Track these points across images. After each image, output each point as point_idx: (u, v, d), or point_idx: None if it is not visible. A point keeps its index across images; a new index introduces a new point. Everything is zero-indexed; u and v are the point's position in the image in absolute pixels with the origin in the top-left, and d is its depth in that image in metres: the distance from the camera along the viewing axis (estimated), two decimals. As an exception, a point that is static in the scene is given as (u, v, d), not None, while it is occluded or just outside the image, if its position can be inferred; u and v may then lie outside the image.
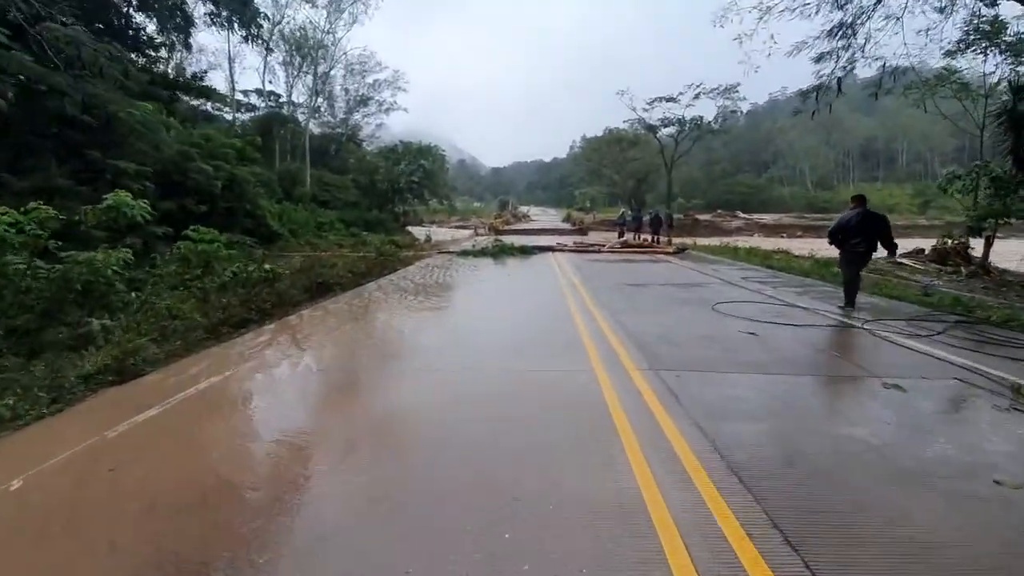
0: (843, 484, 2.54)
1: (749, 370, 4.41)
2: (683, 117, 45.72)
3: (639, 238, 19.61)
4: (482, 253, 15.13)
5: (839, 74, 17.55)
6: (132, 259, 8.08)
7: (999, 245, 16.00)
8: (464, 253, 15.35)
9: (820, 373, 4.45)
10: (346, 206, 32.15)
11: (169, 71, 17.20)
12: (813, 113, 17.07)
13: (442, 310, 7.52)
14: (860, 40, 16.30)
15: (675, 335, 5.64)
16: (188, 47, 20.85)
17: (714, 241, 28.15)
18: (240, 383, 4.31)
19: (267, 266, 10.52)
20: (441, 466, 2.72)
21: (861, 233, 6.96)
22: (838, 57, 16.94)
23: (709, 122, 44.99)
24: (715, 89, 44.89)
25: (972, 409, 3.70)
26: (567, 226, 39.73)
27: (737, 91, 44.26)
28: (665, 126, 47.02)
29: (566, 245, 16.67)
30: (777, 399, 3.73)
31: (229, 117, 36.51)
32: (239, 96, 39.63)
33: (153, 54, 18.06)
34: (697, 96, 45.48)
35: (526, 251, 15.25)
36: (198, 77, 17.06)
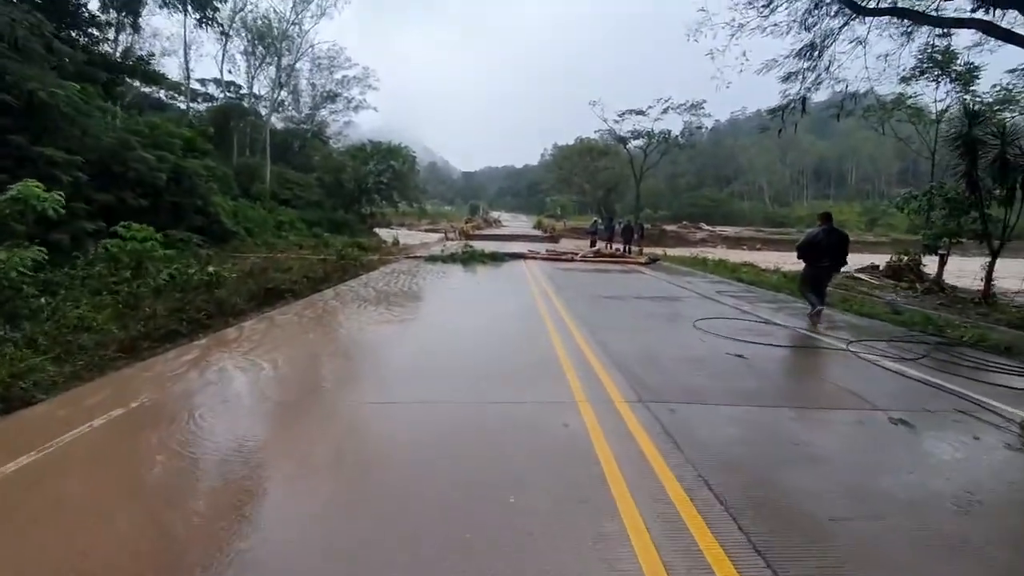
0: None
1: (745, 401, 3.94)
2: (652, 130, 46.52)
3: (611, 247, 19.40)
4: (451, 259, 14.42)
5: (804, 93, 17.91)
6: (46, 258, 6.97)
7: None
8: (432, 258, 14.60)
9: (822, 406, 4.04)
10: (309, 205, 30.66)
11: (115, 54, 15.63)
12: (780, 131, 17.34)
13: (404, 324, 6.79)
14: (825, 62, 16.69)
15: (660, 356, 5.16)
16: (136, 28, 19.22)
17: (681, 251, 28.47)
18: (145, 420, 3.48)
19: (210, 268, 9.51)
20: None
21: (828, 249, 7.22)
22: (804, 77, 17.25)
23: (676, 136, 45.84)
24: (682, 105, 45.87)
25: (986, 449, 3.34)
26: (538, 233, 39.45)
27: (703, 107, 45.45)
28: (635, 138, 47.67)
29: (538, 252, 16.19)
30: (785, 442, 3.26)
31: (184, 107, 34.30)
32: (196, 85, 37.45)
33: (97, 33, 16.45)
34: (665, 111, 46.28)
35: (497, 258, 14.65)
36: (144, 60, 15.58)
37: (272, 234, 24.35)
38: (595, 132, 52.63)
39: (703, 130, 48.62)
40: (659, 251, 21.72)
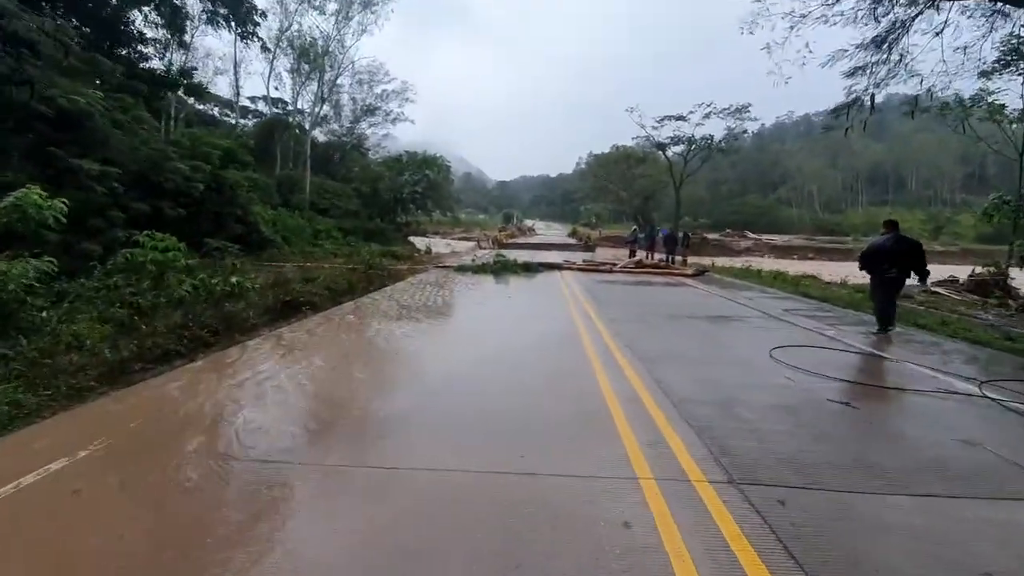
0: None
1: (884, 484, 2.74)
2: (692, 136, 44.53)
3: (652, 257, 18.04)
4: (482, 269, 13.54)
5: (872, 90, 16.06)
6: (55, 270, 6.52)
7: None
8: (462, 268, 13.77)
9: (998, 494, 2.77)
10: (346, 215, 30.77)
11: (160, 69, 15.84)
12: (846, 131, 15.57)
13: (419, 352, 5.87)
14: (896, 55, 14.84)
15: (738, 403, 3.98)
16: (184, 44, 19.65)
17: (724, 261, 26.56)
18: (88, 476, 2.68)
19: (234, 279, 8.99)
20: None
21: (894, 259, 6.66)
22: (872, 72, 15.46)
23: (720, 141, 43.69)
24: (725, 109, 43.75)
25: None
26: (573, 241, 38.26)
27: (748, 111, 43.13)
28: (674, 144, 45.83)
29: (574, 263, 15.07)
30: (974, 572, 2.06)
31: (234, 122, 35.49)
32: (247, 103, 38.77)
33: (144, 50, 16.77)
34: (707, 115, 44.35)
35: (531, 268, 13.66)
36: (187, 73, 15.70)
37: (309, 242, 24.39)
38: (632, 139, 50.95)
39: (748, 134, 46.11)
40: (705, 261, 20.11)
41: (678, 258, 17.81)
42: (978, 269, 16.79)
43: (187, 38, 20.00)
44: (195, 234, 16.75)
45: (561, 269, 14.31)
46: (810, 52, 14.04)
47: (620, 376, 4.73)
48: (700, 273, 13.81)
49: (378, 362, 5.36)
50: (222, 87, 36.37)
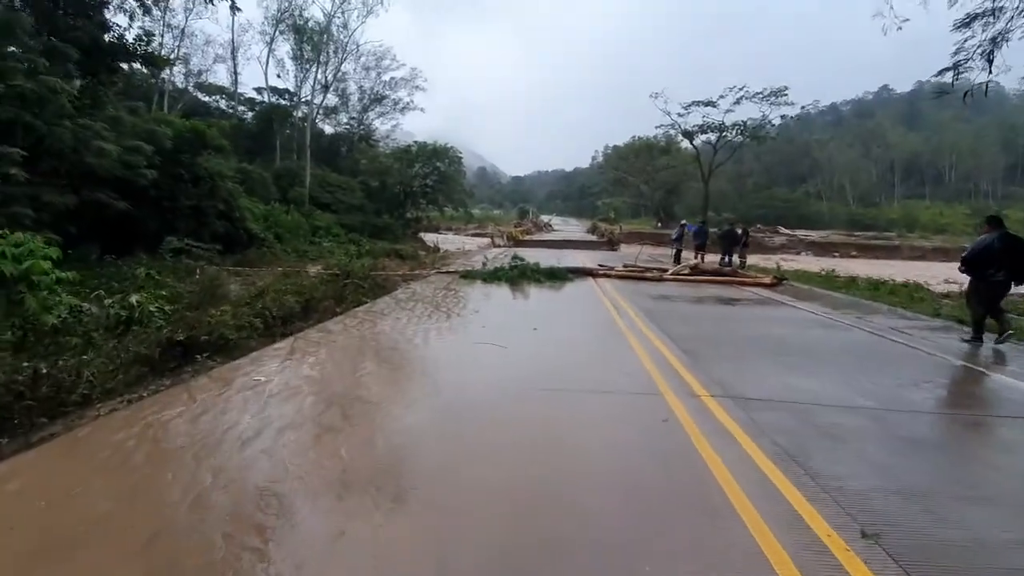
0: None
1: None
2: (723, 122, 40.55)
3: (703, 259, 14.69)
4: (495, 276, 10.39)
5: (987, 47, 12.30)
6: None
7: None
8: (470, 275, 10.63)
9: None
10: (349, 209, 27.91)
11: (128, 41, 12.96)
12: (966, 95, 11.86)
13: (361, 490, 2.77)
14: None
15: None
16: (147, 10, 16.86)
17: (759, 259, 22.83)
18: None
19: (134, 299, 6.06)
20: None
21: (1002, 260, 5.81)
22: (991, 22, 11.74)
23: (760, 125, 39.31)
24: (759, 93, 39.66)
25: None
26: (594, 238, 34.79)
27: (786, 94, 38.95)
28: (703, 132, 41.90)
29: (610, 268, 11.77)
30: None
31: (232, 112, 32.83)
32: (252, 93, 36.08)
33: (106, 20, 13.86)
34: (739, 100, 40.32)
35: (556, 276, 10.44)
36: (142, 40, 12.80)
37: (306, 240, 21.57)
38: (656, 127, 47.06)
39: (788, 119, 41.88)
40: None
41: (735, 259, 14.45)
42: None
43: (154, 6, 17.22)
44: (146, 232, 14.01)
45: (595, 276, 11.06)
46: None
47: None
48: (778, 282, 10.40)
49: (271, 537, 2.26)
50: (222, 76, 33.80)
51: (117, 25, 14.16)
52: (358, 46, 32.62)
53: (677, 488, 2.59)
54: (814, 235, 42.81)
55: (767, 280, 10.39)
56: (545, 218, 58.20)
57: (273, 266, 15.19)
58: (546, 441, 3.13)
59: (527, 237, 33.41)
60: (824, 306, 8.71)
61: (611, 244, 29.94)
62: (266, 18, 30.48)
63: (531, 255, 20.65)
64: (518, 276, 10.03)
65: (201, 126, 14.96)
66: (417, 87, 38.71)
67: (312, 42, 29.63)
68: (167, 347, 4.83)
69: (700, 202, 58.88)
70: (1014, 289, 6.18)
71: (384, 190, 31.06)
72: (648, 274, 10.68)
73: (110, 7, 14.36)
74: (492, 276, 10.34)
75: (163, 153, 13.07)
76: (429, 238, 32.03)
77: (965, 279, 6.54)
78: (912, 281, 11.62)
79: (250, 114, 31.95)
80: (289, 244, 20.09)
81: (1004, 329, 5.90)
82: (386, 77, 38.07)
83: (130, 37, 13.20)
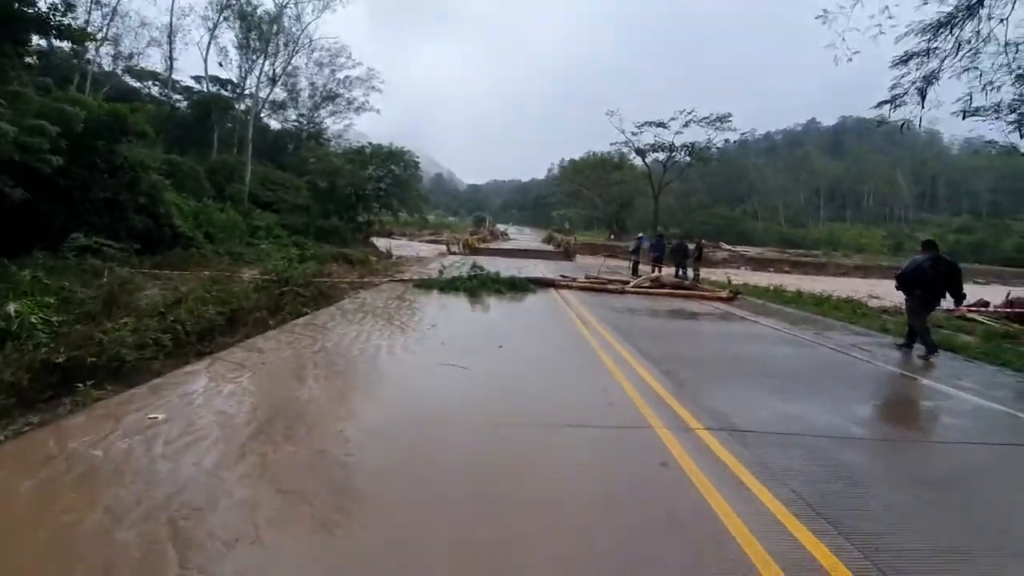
0: None
1: None
2: (672, 143, 42.33)
3: (659, 271, 14.71)
4: (452, 286, 9.67)
5: (920, 84, 13.14)
6: None
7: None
8: (425, 284, 9.84)
9: None
10: (294, 210, 26.07)
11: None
12: (902, 127, 12.61)
13: None
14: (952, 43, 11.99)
15: None
16: None
17: (703, 272, 23.48)
18: None
19: (12, 308, 4.88)
20: None
21: (935, 280, 6.38)
22: (925, 63, 12.53)
23: (704, 147, 41.57)
24: (706, 118, 41.78)
25: None
26: (550, 248, 34.81)
27: (729, 120, 41.24)
28: (654, 151, 43.54)
29: (572, 279, 11.39)
30: None
31: (166, 99, 29.88)
32: (190, 82, 33.03)
33: None
34: (687, 124, 42.28)
35: (518, 286, 9.89)
36: (57, 9, 10.99)
37: (242, 241, 19.70)
38: (611, 144, 48.37)
39: (731, 143, 44.42)
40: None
41: (689, 272, 14.59)
42: (1015, 292, 14.49)
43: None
44: (51, 227, 12.08)
45: (557, 287, 10.61)
46: (891, 18, 10.89)
47: None
48: (734, 296, 10.46)
49: None
50: (156, 61, 30.76)
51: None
52: (311, 40, 30.84)
53: (697, 565, 2.04)
54: (752, 251, 45.37)
55: (724, 295, 10.40)
56: (501, 227, 57.96)
57: (201, 269, 13.61)
58: (521, 492, 2.50)
59: (483, 245, 32.85)
60: (782, 321, 8.74)
61: (567, 254, 30.02)
62: (210, 2, 28.14)
63: (489, 264, 20.10)
64: (478, 286, 9.36)
65: (122, 109, 13.20)
66: (373, 87, 37.25)
67: (260, 31, 27.64)
68: (42, 371, 3.77)
69: (650, 217, 61.07)
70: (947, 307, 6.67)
71: (334, 191, 29.31)
72: (611, 286, 10.39)
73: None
74: (449, 285, 9.62)
75: (73, 137, 11.31)
76: (382, 243, 30.58)
77: (889, 295, 7.23)
78: (848, 296, 12.11)
79: (185, 103, 29.19)
80: (223, 245, 18.23)
81: (910, 341, 6.59)
82: (340, 75, 36.36)
83: (43, 5, 11.33)
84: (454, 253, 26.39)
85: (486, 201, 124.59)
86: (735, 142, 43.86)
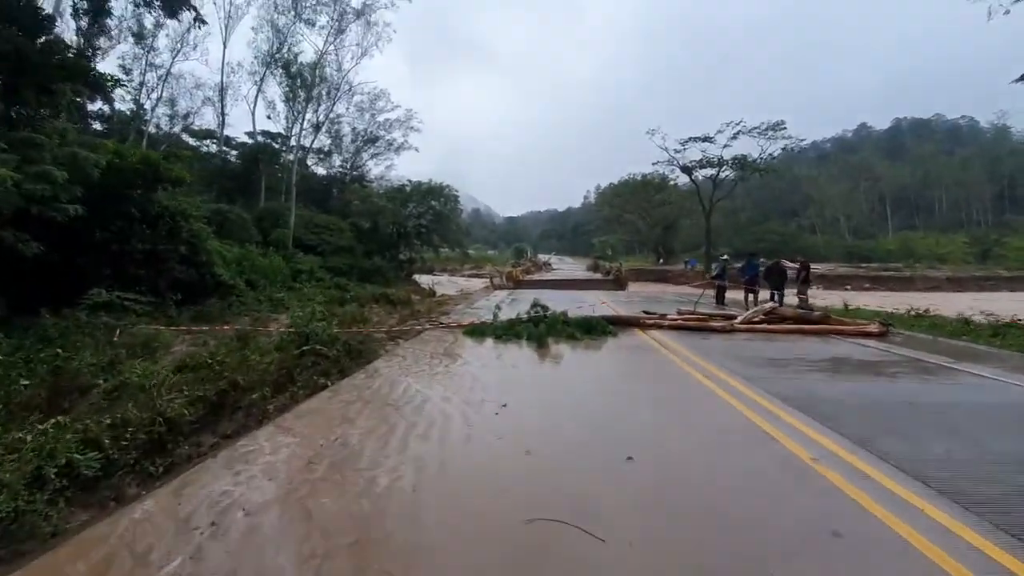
0: None
1: None
2: (721, 157, 39.46)
3: (755, 300, 12.07)
4: (511, 331, 7.58)
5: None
6: None
7: None
8: (477, 332, 7.81)
9: None
10: (337, 252, 25.33)
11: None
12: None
13: None
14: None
15: None
16: (101, 28, 14.80)
17: (764, 295, 19.95)
18: None
19: None
20: None
21: None
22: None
23: (755, 160, 38.52)
24: (756, 128, 38.83)
25: None
26: (598, 276, 32.36)
27: (784, 127, 38.07)
28: (702, 167, 40.76)
29: (659, 315, 8.85)
30: None
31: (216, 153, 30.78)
32: (244, 138, 34.22)
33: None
34: (736, 136, 39.45)
35: (594, 327, 7.65)
36: (82, 54, 10.49)
37: (284, 285, 18.75)
38: (653, 164, 45.99)
39: (790, 150, 40.99)
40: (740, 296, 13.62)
41: (789, 299, 11.90)
42: None
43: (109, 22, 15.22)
44: (72, 282, 11.19)
45: (643, 327, 8.28)
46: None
47: None
48: (886, 329, 7.68)
49: None
50: (210, 119, 31.96)
51: (60, 40, 11.80)
52: (351, 86, 31.13)
53: None
54: (821, 268, 40.80)
55: (872, 327, 7.67)
56: (543, 257, 56.14)
57: (237, 318, 12.37)
58: None
59: (528, 277, 30.94)
60: (993, 368, 5.95)
61: (619, 283, 27.48)
62: (256, 58, 29.03)
63: (540, 297, 18.03)
64: (544, 332, 7.23)
65: (154, 155, 12.51)
66: (412, 128, 37.32)
67: (303, 79, 28.03)
68: None
69: (695, 238, 57.35)
70: None
71: (376, 231, 28.67)
72: (714, 323, 7.94)
73: (58, 16, 12.11)
74: (507, 331, 7.56)
75: (96, 185, 10.45)
76: (424, 280, 29.40)
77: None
78: (994, 317, 8.92)
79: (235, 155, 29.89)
80: (264, 291, 17.26)
81: None
82: (380, 118, 36.69)
83: (70, 53, 10.82)
84: (499, 287, 24.57)
85: (524, 232, 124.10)
86: (780, 152, 40.24)
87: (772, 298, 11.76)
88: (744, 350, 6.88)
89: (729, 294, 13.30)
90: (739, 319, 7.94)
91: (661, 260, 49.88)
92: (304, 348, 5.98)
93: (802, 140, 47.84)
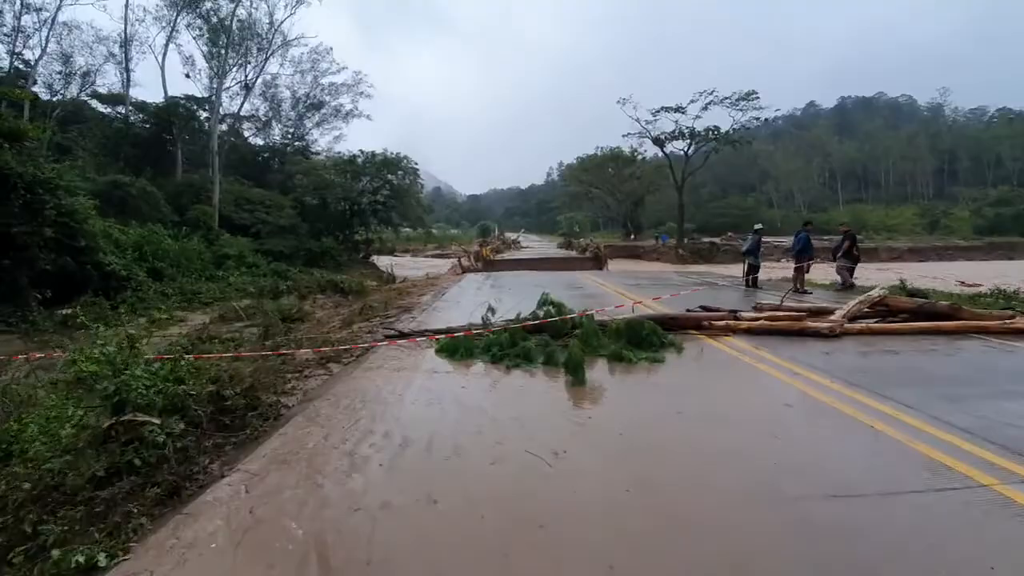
0: None
1: None
2: (693, 128, 37.53)
3: (799, 281, 9.73)
4: (517, 349, 4.68)
5: None
6: None
7: None
8: (456, 349, 4.84)
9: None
10: (276, 232, 21.18)
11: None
12: None
13: None
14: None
15: None
16: None
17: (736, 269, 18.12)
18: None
19: None
20: None
21: None
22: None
23: (727, 131, 36.79)
24: (728, 98, 37.02)
25: None
26: (574, 254, 29.82)
27: (757, 97, 36.45)
28: (674, 139, 38.71)
29: (732, 313, 5.90)
30: None
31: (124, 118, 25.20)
32: (159, 100, 28.41)
33: None
34: (706, 106, 37.55)
35: (642, 338, 4.87)
36: None
37: (205, 274, 14.82)
38: (623, 136, 43.56)
39: (761, 121, 39.55)
40: (734, 270, 11.33)
41: (840, 277, 9.69)
42: None
43: None
44: None
45: (710, 331, 5.49)
46: None
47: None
48: (1013, 319, 5.39)
49: None
50: (110, 76, 26.11)
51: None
52: (285, 38, 26.19)
53: None
54: (786, 241, 40.25)
55: (1007, 320, 5.36)
56: (511, 235, 53.00)
57: (133, 322, 8.70)
58: None
59: (499, 257, 27.95)
60: None
61: (597, 260, 25.03)
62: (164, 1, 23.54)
63: (517, 280, 14.92)
64: (579, 355, 4.29)
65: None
66: (362, 93, 32.65)
67: (224, 28, 22.96)
68: None
69: (662, 213, 56.02)
70: None
71: (325, 208, 24.52)
72: (812, 322, 5.33)
73: None
74: (509, 350, 4.64)
75: None
76: (384, 262, 25.72)
77: None
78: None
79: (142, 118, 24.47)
80: (173, 283, 13.35)
81: None
82: (325, 81, 31.76)
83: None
84: (468, 270, 21.46)
85: (487, 211, 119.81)
86: (748, 124, 38.73)
87: (844, 283, 9.45)
88: (915, 372, 4.20)
89: (768, 273, 10.73)
90: (839, 313, 5.41)
91: (632, 236, 48.07)
92: (117, 420, 2.83)
93: (777, 110, 46.60)
